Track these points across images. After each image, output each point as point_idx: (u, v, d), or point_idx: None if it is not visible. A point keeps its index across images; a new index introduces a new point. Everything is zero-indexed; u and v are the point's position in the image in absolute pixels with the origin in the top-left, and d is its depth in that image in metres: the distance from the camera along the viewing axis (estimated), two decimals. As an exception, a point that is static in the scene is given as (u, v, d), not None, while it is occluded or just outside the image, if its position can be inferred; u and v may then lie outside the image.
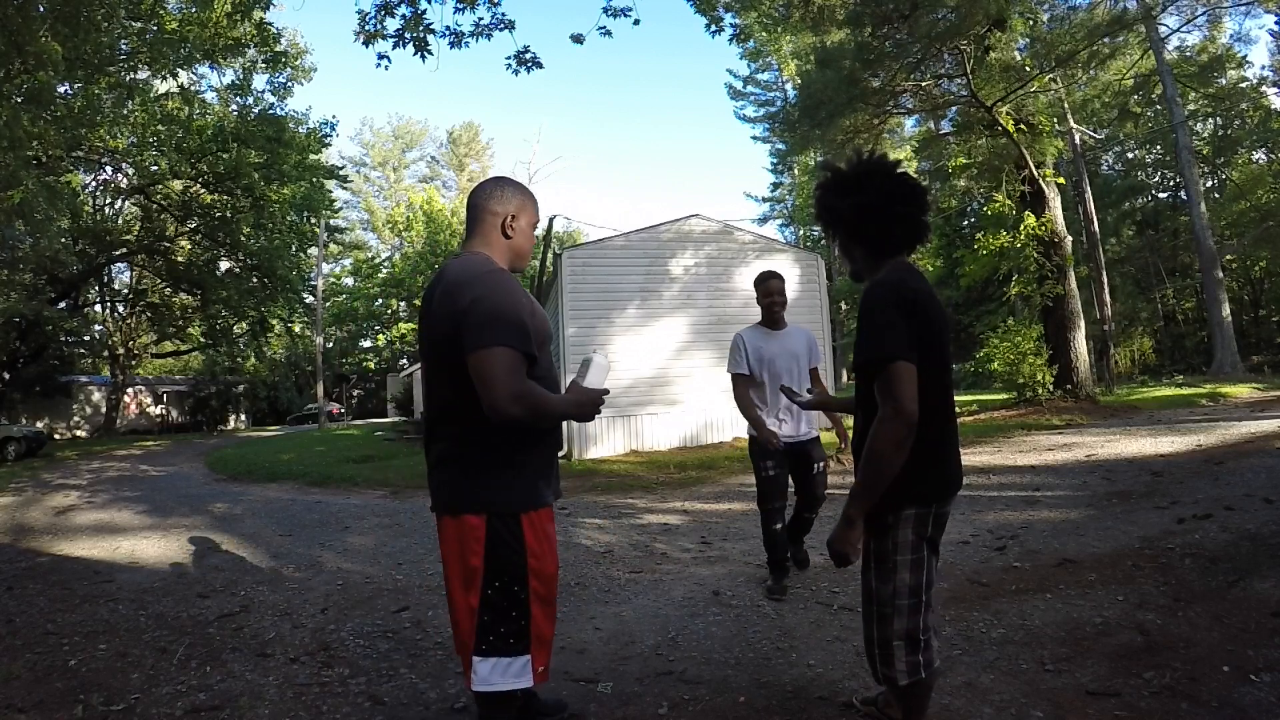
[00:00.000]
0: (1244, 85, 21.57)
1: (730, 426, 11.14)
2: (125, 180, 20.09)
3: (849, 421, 2.54)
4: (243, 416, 35.07)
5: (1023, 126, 12.20)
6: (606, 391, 1.90)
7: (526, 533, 1.78)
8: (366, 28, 7.34)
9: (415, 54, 7.25)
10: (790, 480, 3.59)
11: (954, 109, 14.65)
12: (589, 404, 1.85)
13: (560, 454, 10.19)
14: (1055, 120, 14.03)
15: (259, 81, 19.42)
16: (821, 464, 3.61)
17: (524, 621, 1.77)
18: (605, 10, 7.49)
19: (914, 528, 1.72)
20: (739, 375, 3.58)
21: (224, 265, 22.97)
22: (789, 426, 3.52)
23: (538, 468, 1.86)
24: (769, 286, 3.62)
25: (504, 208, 1.93)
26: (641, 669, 2.68)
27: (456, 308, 1.71)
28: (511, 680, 1.76)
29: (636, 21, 7.66)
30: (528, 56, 7.41)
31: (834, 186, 1.84)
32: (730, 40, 12.31)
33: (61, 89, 10.18)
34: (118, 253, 22.20)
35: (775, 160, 37.61)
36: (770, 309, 3.61)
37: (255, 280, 22.00)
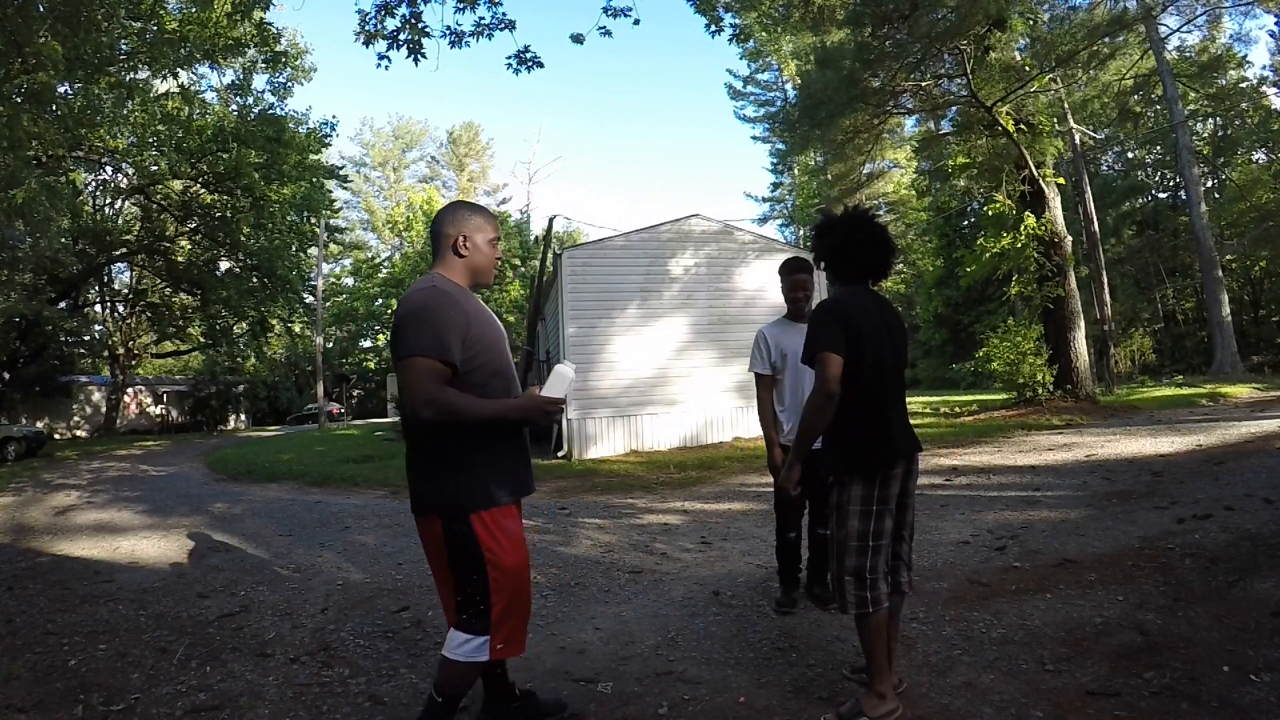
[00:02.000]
0: (1244, 85, 21.58)
1: (730, 426, 11.14)
2: (125, 180, 20.08)
3: None
4: (243, 416, 35.04)
5: (1023, 126, 12.20)
6: (562, 400, 1.96)
7: (478, 530, 1.90)
8: (366, 28, 7.37)
9: (409, 57, 7.28)
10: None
11: (954, 109, 14.64)
12: (533, 409, 1.94)
13: (560, 454, 10.26)
14: (1055, 120, 14.02)
15: (259, 81, 19.51)
16: None
17: (484, 606, 1.91)
18: (605, 10, 7.52)
19: (862, 487, 2.17)
20: (761, 376, 3.30)
21: (224, 265, 22.94)
22: None
23: (490, 468, 1.95)
24: (795, 280, 3.28)
25: (456, 229, 2.06)
26: (641, 669, 2.68)
27: (393, 325, 1.93)
28: (467, 654, 1.91)
29: (636, 21, 7.69)
30: (528, 56, 7.43)
31: (817, 230, 2.46)
32: (730, 40, 12.30)
33: (61, 89, 10.17)
34: (118, 253, 22.18)
35: (775, 160, 37.68)
36: (794, 302, 3.31)
37: (255, 280, 21.98)
